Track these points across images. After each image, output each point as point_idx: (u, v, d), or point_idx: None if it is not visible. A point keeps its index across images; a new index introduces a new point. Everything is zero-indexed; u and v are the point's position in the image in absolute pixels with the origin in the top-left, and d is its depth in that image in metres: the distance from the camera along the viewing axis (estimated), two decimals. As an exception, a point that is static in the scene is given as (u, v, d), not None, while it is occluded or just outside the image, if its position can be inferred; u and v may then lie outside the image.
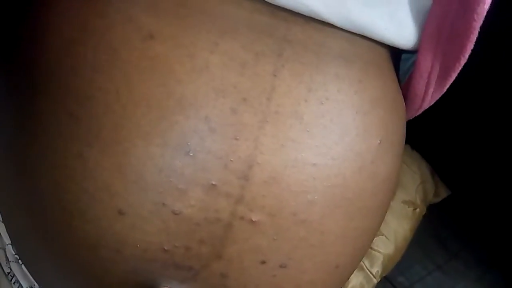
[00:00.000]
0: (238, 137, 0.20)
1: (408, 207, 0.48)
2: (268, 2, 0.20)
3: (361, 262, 0.44)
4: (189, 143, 0.20)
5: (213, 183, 0.20)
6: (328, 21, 0.21)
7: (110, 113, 0.19)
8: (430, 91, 0.25)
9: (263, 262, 0.21)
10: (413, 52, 0.25)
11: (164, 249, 0.20)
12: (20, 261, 0.28)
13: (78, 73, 0.20)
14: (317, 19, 0.21)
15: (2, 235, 0.28)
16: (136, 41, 0.20)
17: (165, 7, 0.20)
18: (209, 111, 0.20)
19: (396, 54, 0.25)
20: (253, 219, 0.20)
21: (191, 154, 0.20)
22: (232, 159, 0.20)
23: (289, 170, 0.21)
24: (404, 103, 0.26)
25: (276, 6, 0.20)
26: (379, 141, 0.23)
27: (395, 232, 0.46)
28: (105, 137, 0.20)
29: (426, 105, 0.27)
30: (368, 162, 0.23)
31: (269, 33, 0.21)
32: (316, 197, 0.21)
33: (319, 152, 0.21)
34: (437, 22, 0.23)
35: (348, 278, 0.28)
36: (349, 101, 0.22)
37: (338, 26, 0.21)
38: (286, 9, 0.20)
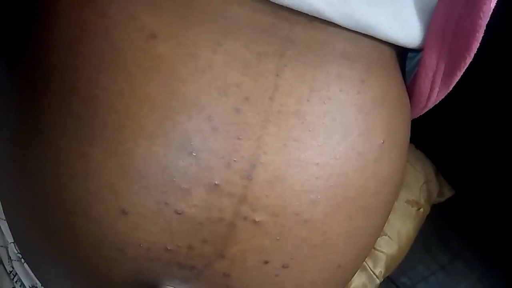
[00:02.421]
0: (241, 137, 0.20)
1: (412, 207, 0.47)
2: (270, 2, 0.20)
3: (364, 262, 0.44)
4: (192, 143, 0.20)
5: (216, 182, 0.20)
6: (331, 21, 0.21)
7: (113, 113, 0.19)
8: (435, 90, 0.25)
9: (266, 262, 0.21)
10: (418, 50, 0.25)
11: (167, 248, 0.20)
12: (22, 259, 0.28)
13: (82, 73, 0.20)
14: (320, 19, 0.21)
15: (5, 233, 0.28)
16: (138, 40, 0.20)
17: (166, 6, 0.20)
18: (212, 110, 0.20)
19: (401, 53, 0.25)
20: (256, 219, 0.20)
21: (194, 154, 0.20)
22: (235, 159, 0.20)
23: (292, 170, 0.21)
24: (409, 103, 0.26)
25: (279, 5, 0.20)
26: (382, 141, 0.23)
27: (398, 232, 0.46)
28: (108, 137, 0.20)
29: (431, 104, 0.27)
30: (371, 161, 0.23)
31: (272, 32, 0.21)
32: (318, 197, 0.21)
33: (322, 152, 0.21)
34: (442, 21, 0.23)
35: (351, 278, 0.28)
36: (351, 101, 0.22)
37: (341, 25, 0.21)
38: (288, 8, 0.20)
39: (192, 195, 0.20)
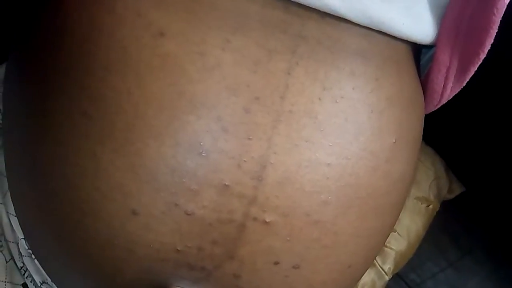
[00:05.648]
0: (251, 137, 0.20)
1: (421, 203, 0.47)
2: None
3: (373, 259, 0.44)
4: (201, 143, 0.19)
5: (226, 183, 0.20)
6: (344, 17, 0.20)
7: (122, 113, 0.19)
8: (448, 86, 0.25)
9: (276, 263, 0.21)
10: (431, 46, 0.24)
11: (177, 249, 0.20)
12: (33, 255, 0.28)
13: (91, 72, 0.20)
14: (332, 15, 0.20)
15: (15, 229, 0.28)
16: (146, 38, 0.19)
17: (174, 2, 0.19)
18: (221, 110, 0.20)
19: (415, 49, 0.25)
20: (267, 220, 0.20)
21: (204, 154, 0.20)
22: (245, 159, 0.20)
23: (302, 170, 0.20)
24: (422, 100, 0.26)
25: (290, 1, 0.20)
26: (394, 140, 0.23)
27: (407, 228, 0.46)
28: (118, 136, 0.19)
29: (444, 100, 0.26)
30: (383, 161, 0.22)
31: (283, 29, 0.20)
32: (329, 197, 0.21)
33: (333, 152, 0.21)
34: (455, 17, 0.23)
35: (361, 277, 0.28)
36: (365, 100, 0.21)
37: (354, 21, 0.21)
38: (300, 4, 0.20)
39: (201, 196, 0.20)
